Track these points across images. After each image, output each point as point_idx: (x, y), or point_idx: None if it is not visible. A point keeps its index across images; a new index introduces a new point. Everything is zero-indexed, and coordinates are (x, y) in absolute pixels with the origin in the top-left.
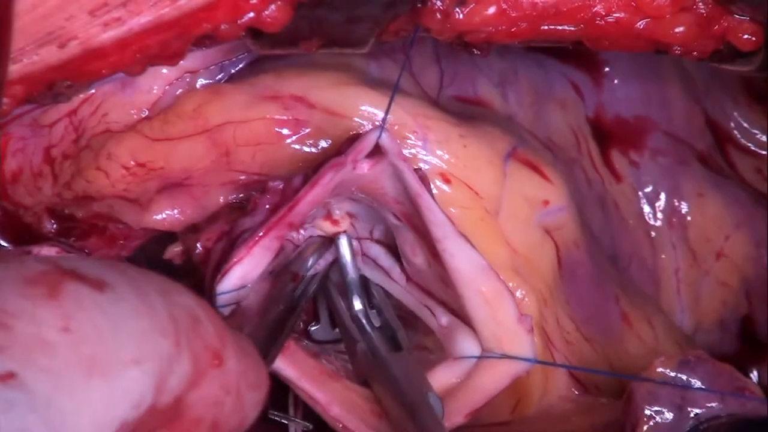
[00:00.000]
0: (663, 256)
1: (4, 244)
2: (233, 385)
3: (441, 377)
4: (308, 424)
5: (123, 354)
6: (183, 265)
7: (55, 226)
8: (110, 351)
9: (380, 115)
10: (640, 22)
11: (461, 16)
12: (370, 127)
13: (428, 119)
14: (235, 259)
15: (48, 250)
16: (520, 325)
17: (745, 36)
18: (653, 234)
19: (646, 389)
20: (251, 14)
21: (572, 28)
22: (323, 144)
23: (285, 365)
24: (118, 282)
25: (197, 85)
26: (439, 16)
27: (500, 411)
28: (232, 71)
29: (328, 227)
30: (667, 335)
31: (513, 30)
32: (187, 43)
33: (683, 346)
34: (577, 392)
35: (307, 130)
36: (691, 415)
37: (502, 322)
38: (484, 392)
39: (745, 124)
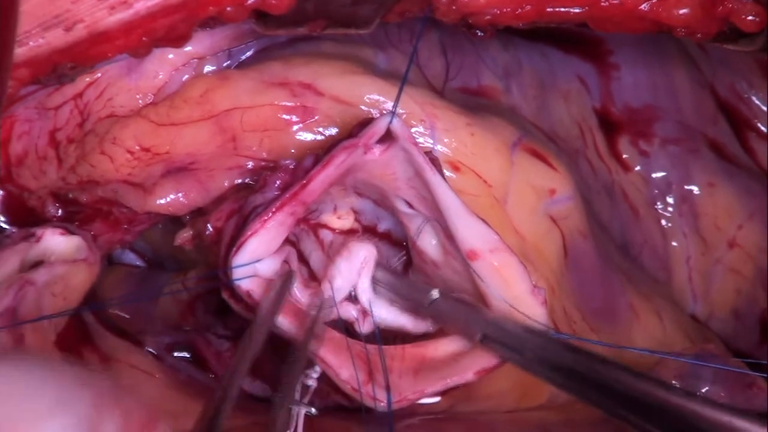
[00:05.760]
0: (674, 244)
1: (7, 227)
2: None
3: (447, 347)
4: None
5: (38, 407)
6: (193, 252)
7: (59, 210)
8: (20, 409)
9: (388, 103)
10: (644, 4)
11: None
12: (378, 115)
13: (435, 108)
14: (249, 232)
15: (51, 232)
16: (534, 297)
17: (749, 17)
18: (664, 222)
19: None
20: None
21: (577, 10)
22: (330, 131)
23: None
24: (16, 353)
25: (204, 71)
26: None
27: (505, 401)
28: (241, 58)
29: (334, 221)
30: (675, 327)
31: (518, 12)
32: (192, 26)
33: (693, 338)
34: None
35: (315, 117)
36: None
37: (515, 295)
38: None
39: (765, 108)
